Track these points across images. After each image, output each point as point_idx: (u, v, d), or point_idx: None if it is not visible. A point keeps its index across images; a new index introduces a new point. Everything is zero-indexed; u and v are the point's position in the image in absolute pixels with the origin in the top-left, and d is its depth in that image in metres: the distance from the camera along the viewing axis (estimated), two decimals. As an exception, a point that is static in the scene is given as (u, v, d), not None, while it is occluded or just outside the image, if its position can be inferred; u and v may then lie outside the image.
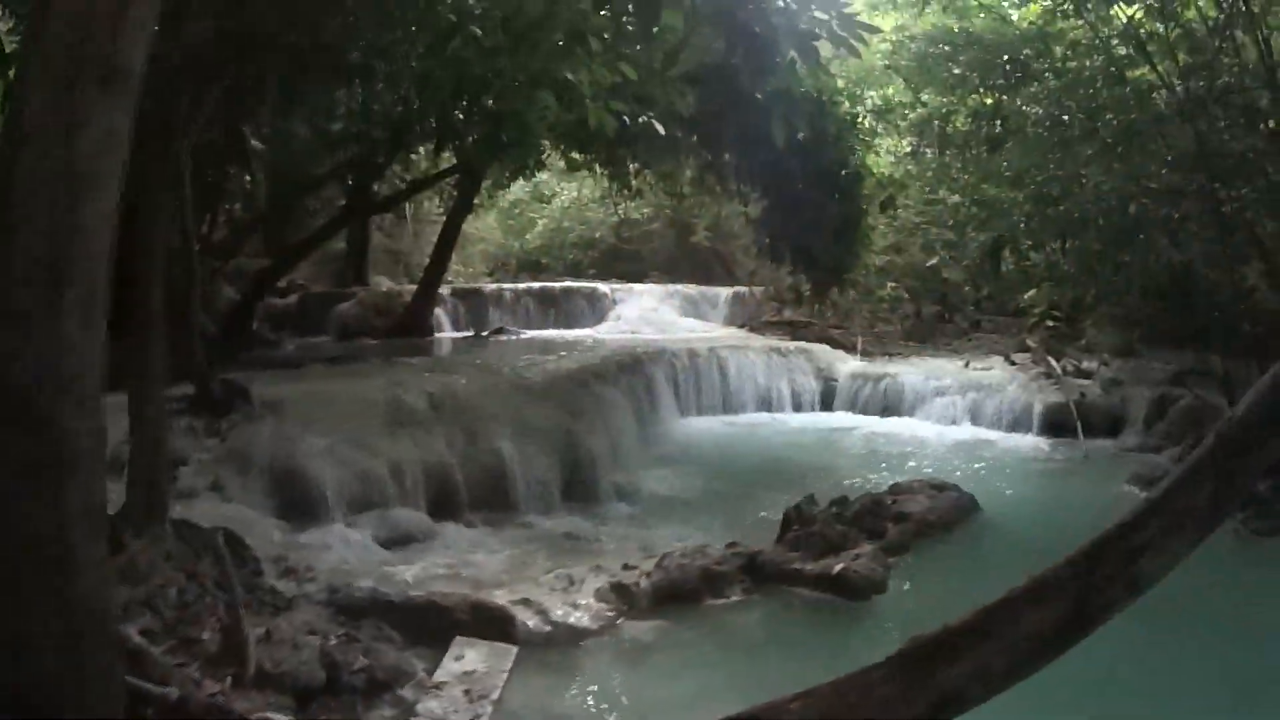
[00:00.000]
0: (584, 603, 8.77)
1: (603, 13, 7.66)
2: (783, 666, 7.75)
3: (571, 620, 8.48)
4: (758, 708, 4.20)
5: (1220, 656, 8.36)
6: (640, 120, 9.58)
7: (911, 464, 15.28)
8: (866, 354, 21.92)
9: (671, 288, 26.92)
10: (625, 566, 9.65)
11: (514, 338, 21.76)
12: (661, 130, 9.61)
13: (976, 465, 15.41)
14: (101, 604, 4.45)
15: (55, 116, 4.16)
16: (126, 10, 4.26)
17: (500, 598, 8.55)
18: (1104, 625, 3.95)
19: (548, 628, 8.32)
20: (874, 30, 6.79)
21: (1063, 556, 3.98)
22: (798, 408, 19.86)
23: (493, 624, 8.09)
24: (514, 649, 7.78)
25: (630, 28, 8.28)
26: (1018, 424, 17.76)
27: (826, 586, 9.47)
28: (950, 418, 18.36)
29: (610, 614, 8.78)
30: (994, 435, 17.56)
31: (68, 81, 4.16)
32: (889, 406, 19.28)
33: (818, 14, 6.12)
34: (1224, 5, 14.57)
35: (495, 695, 7.00)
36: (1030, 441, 17.10)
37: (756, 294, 26.16)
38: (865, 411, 19.40)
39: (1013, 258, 19.60)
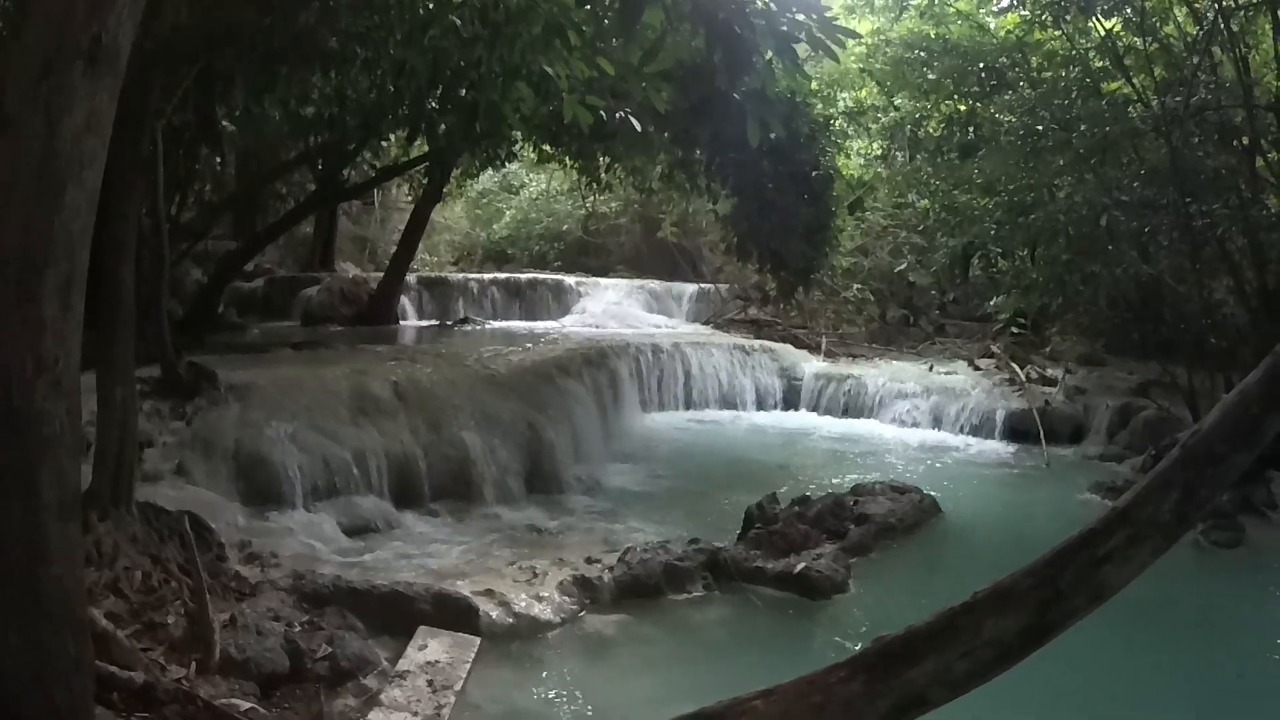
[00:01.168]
0: (547, 595, 8.79)
1: (584, 7, 7.65)
2: (743, 663, 7.80)
3: (534, 612, 8.50)
4: (722, 704, 4.24)
5: (1182, 665, 8.51)
6: (617, 116, 9.58)
7: (873, 465, 15.38)
8: (830, 355, 22.01)
9: (637, 282, 27.00)
10: (588, 560, 9.69)
11: (479, 328, 21.75)
12: (638, 127, 9.61)
13: (938, 469, 15.53)
14: (72, 587, 4.43)
15: (40, 97, 4.11)
16: (113, -8, 4.23)
17: (463, 588, 8.56)
18: (1069, 632, 4.02)
19: (510, 619, 8.34)
20: (853, 35, 6.81)
21: (1023, 562, 4.05)
22: (760, 406, 19.96)
23: (456, 614, 8.10)
24: (477, 640, 7.79)
25: (610, 23, 8.30)
26: (980, 429, 17.90)
27: (788, 585, 9.55)
28: (913, 421, 18.49)
29: (573, 607, 8.82)
30: (956, 439, 17.69)
31: (54, 62, 4.12)
32: (852, 407, 19.38)
33: (798, 16, 6.15)
34: (1203, 22, 14.72)
35: (458, 686, 7.01)
36: (993, 447, 17.23)
37: (722, 291, 26.21)
38: (828, 412, 19.53)
39: (981, 264, 19.72)
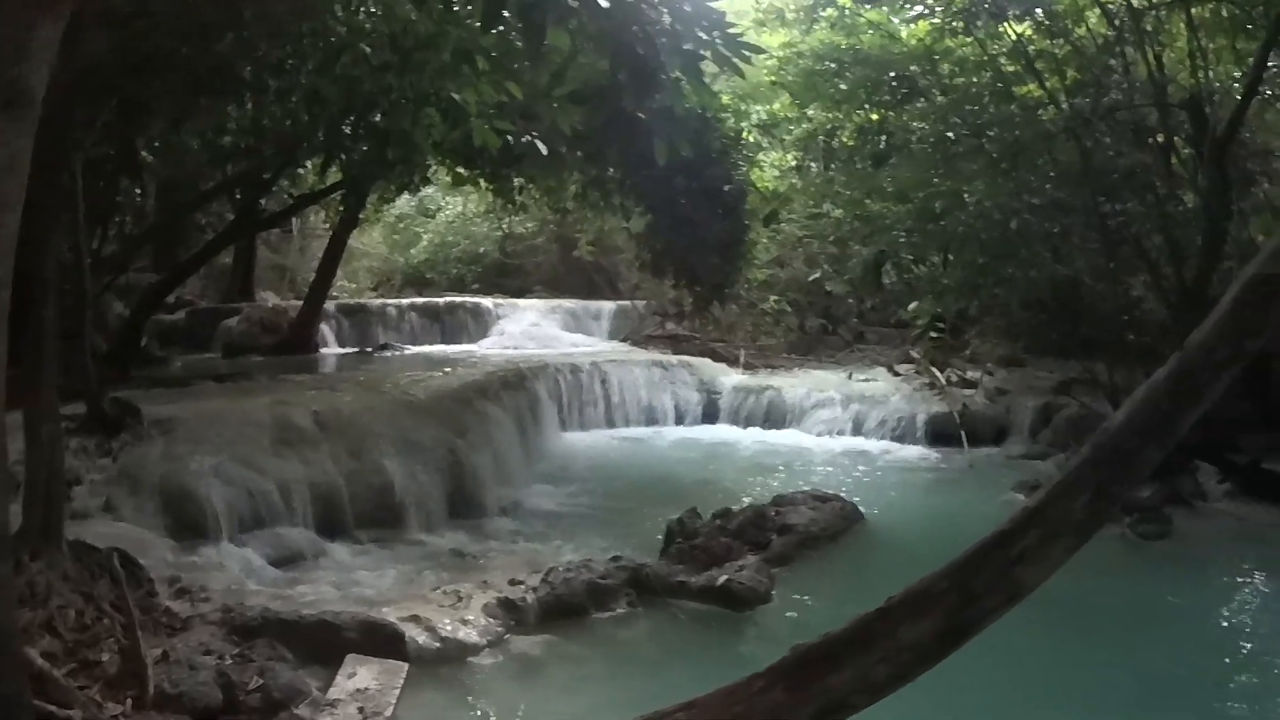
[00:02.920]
0: (472, 619, 8.85)
1: (491, 32, 7.76)
2: (669, 678, 7.88)
3: (461, 636, 8.57)
4: (644, 718, 4.36)
5: (1112, 657, 8.69)
6: (524, 139, 9.71)
7: (796, 475, 15.54)
8: (749, 367, 22.21)
9: (555, 302, 27.06)
10: (512, 582, 9.74)
11: (399, 354, 21.78)
12: (544, 150, 9.74)
13: (861, 476, 15.75)
14: (7, 627, 4.49)
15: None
16: (32, 33, 4.31)
17: (390, 615, 8.60)
18: (998, 628, 4.14)
19: (437, 644, 8.41)
20: (759, 51, 6.94)
21: (944, 563, 4.17)
22: (680, 421, 20.13)
23: (383, 641, 8.15)
24: (405, 666, 7.85)
25: (517, 46, 8.41)
26: (902, 434, 18.16)
27: (711, 598, 9.67)
28: (834, 429, 18.70)
29: (499, 629, 8.89)
30: (878, 446, 17.93)
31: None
32: (772, 418, 19.58)
33: (702, 35, 6.24)
34: (1115, 23, 14.99)
35: (388, 712, 7.09)
36: (915, 451, 17.50)
37: (640, 308, 26.35)
38: (748, 424, 19.71)
39: (895, 271, 19.97)
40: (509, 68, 8.61)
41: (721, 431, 19.64)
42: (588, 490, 14.62)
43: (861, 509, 12.95)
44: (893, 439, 18.18)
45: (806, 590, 10.39)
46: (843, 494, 13.28)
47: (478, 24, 7.81)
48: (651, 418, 19.99)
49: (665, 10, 6.19)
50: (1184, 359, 4.01)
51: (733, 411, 20.11)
